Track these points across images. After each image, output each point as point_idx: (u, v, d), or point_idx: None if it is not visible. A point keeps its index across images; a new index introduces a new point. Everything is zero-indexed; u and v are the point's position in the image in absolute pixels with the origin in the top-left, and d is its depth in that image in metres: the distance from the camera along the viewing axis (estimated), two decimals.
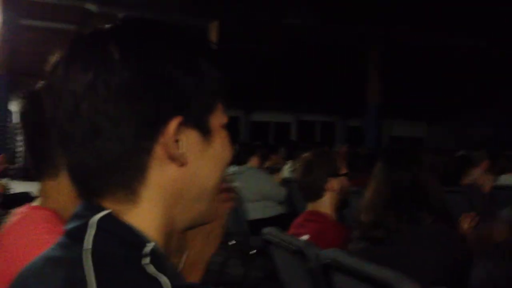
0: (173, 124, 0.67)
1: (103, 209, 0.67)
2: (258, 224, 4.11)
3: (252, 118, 17.54)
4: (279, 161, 7.35)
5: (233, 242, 5.09)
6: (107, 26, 0.70)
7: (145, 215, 0.68)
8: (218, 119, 0.73)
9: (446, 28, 10.74)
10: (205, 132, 0.71)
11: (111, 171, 0.66)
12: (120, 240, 0.65)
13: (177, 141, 0.67)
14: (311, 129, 18.54)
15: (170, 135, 0.67)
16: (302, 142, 13.19)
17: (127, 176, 0.67)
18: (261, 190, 5.39)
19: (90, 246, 0.64)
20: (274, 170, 6.67)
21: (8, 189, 4.61)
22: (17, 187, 7.02)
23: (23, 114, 1.23)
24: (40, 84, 1.22)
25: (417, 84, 13.97)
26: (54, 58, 0.70)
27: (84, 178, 0.68)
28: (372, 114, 10.97)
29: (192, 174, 0.70)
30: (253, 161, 5.75)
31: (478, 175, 5.11)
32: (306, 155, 2.75)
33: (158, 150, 0.67)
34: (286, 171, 6.96)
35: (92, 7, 10.00)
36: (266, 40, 12.53)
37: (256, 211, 5.29)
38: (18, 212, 1.20)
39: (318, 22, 10.25)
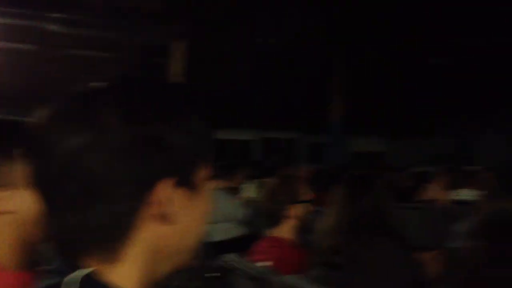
0: (167, 185, 0.67)
1: (81, 267, 0.68)
2: (220, 246, 4.10)
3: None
4: (240, 181, 7.33)
5: (195, 265, 5.04)
6: (100, 85, 0.70)
7: (126, 271, 0.68)
8: (203, 172, 0.73)
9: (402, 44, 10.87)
10: (192, 188, 0.71)
11: (98, 232, 0.66)
12: None
13: (168, 200, 0.68)
14: (272, 146, 18.55)
15: (164, 196, 0.67)
16: (264, 160, 13.19)
17: (113, 237, 0.67)
18: (222, 211, 5.36)
19: None
20: (235, 190, 6.64)
21: None
22: None
23: None
24: None
25: (379, 99, 14.09)
26: (40, 114, 0.68)
27: (68, 237, 0.68)
28: (334, 131, 11.08)
29: (177, 230, 0.70)
30: (214, 182, 5.72)
31: (435, 191, 5.17)
32: (269, 181, 2.76)
33: (148, 211, 0.67)
34: (250, 190, 6.94)
35: (52, 27, 9.82)
36: (228, 59, 12.54)
37: (218, 232, 5.26)
38: None
39: (283, 41, 10.32)
